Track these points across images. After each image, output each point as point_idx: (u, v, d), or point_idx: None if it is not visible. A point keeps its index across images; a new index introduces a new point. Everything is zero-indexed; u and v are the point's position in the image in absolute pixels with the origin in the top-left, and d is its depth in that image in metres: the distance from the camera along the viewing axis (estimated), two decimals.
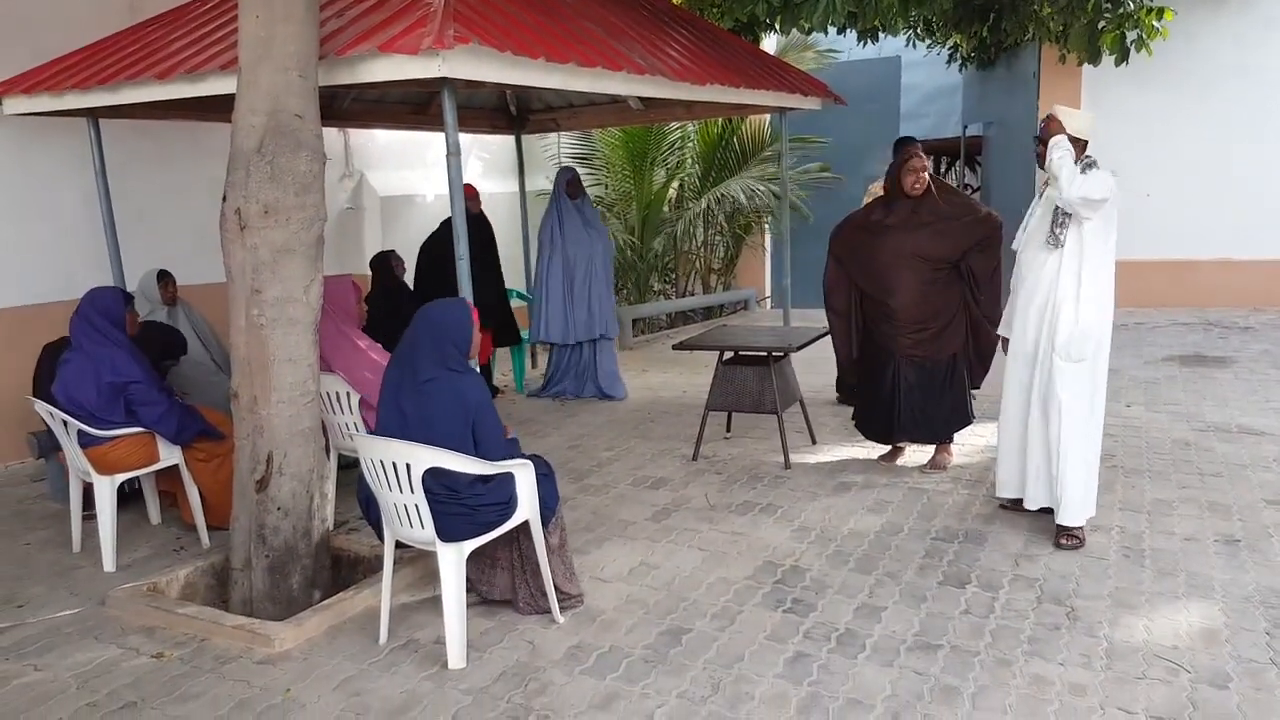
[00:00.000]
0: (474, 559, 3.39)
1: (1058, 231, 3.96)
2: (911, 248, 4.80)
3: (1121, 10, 7.96)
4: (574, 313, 6.96)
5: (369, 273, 6.21)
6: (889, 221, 4.89)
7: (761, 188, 10.20)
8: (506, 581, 3.62)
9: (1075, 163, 3.87)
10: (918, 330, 4.89)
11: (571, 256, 6.92)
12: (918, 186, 4.80)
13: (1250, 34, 9.59)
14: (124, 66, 4.63)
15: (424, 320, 3.35)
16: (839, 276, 5.16)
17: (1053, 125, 3.96)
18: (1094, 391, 4.03)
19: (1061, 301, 3.97)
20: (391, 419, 3.27)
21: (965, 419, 5.12)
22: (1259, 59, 9.60)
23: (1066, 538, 4.05)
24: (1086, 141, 4.00)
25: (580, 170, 10.29)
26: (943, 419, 5.03)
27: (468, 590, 3.40)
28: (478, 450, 3.23)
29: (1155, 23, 8.16)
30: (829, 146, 11.09)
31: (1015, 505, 4.40)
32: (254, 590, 3.65)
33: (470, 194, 6.43)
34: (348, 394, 4.36)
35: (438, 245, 6.50)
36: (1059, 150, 3.89)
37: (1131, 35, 8.11)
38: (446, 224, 6.60)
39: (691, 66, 5.42)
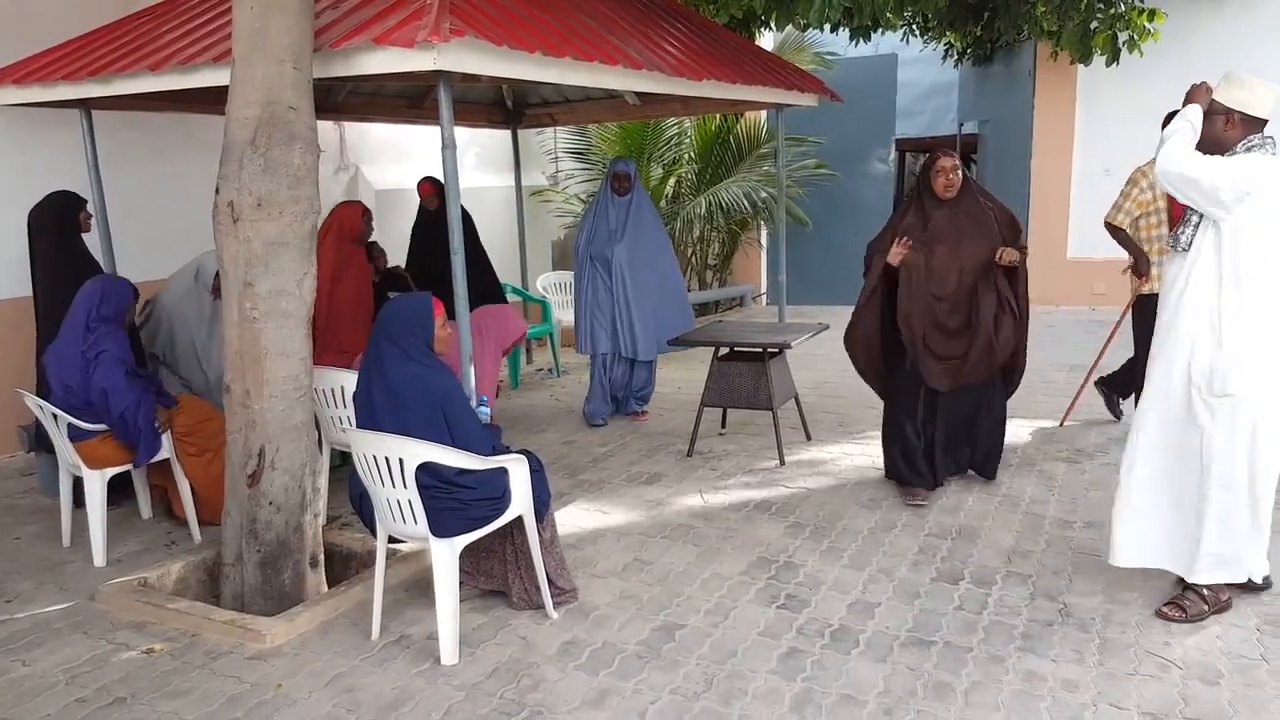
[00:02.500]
0: (468, 551, 3.38)
1: (1180, 231, 3.15)
2: (958, 260, 4.29)
3: (1114, 11, 7.96)
4: (600, 325, 6.11)
5: None
6: (928, 231, 4.34)
7: (765, 193, 10.15)
8: (500, 572, 3.62)
9: (1232, 145, 3.14)
10: (964, 347, 4.36)
11: (606, 260, 6.03)
12: (949, 190, 4.31)
13: (1249, 34, 9.58)
14: (117, 57, 4.60)
15: (386, 316, 3.36)
16: (873, 303, 4.52)
17: (1195, 94, 3.17)
18: (1253, 435, 3.14)
19: (1195, 321, 3.15)
20: (367, 413, 3.28)
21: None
22: (1257, 61, 9.58)
23: (1171, 606, 3.38)
24: (1264, 121, 3.12)
25: (576, 165, 10.29)
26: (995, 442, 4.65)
27: (461, 582, 3.40)
28: (454, 441, 3.23)
29: (1147, 24, 8.17)
30: (825, 144, 11.09)
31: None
32: (245, 585, 3.63)
33: (425, 191, 6.37)
34: (341, 388, 4.34)
35: (420, 243, 6.48)
36: (1181, 120, 3.13)
37: (1123, 36, 8.11)
38: (417, 229, 6.55)
39: (688, 62, 5.40)
